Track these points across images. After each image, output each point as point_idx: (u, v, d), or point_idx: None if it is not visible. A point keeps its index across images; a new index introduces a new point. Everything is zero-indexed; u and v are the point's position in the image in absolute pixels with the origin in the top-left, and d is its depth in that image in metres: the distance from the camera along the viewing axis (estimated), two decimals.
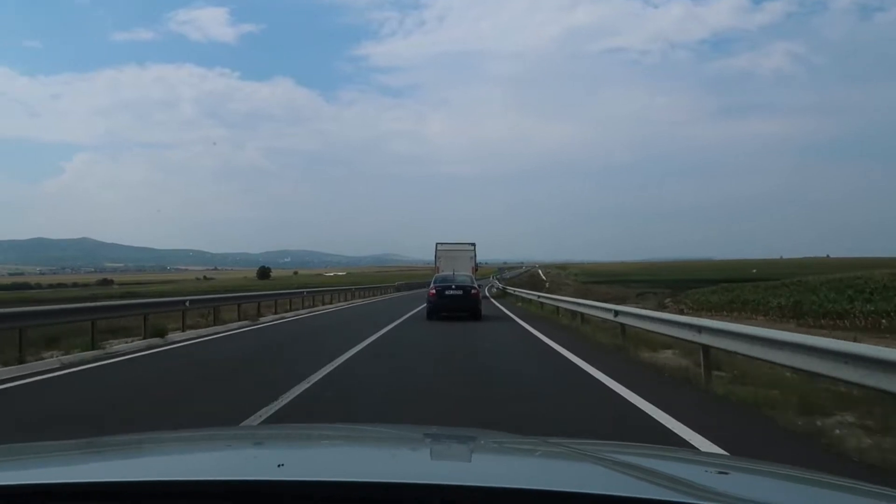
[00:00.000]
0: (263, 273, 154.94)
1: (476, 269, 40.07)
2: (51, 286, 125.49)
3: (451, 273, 22.19)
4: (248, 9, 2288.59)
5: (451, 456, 1.72)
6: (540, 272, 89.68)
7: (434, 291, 19.31)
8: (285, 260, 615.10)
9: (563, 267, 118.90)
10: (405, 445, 1.79)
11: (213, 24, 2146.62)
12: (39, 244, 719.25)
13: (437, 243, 36.42)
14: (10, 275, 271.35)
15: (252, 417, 5.49)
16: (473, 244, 38.25)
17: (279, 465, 1.34)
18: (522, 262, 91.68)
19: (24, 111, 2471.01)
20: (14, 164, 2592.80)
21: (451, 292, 19.13)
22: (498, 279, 65.88)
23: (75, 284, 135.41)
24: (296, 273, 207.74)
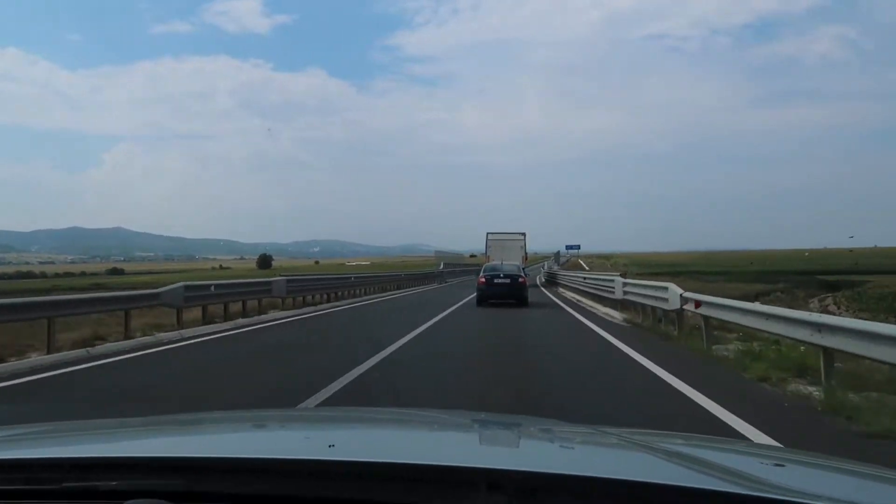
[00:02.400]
0: (264, 262, 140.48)
1: (526, 258, 40.94)
2: (56, 275, 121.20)
3: (500, 262, 22.88)
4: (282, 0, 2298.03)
5: (499, 441, 1.71)
6: (581, 262, 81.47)
7: (483, 280, 20.17)
8: (314, 250, 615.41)
9: (606, 257, 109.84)
10: (454, 430, 1.82)
11: (248, 15, 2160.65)
12: (75, 233, 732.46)
13: (487, 233, 36.66)
14: (41, 263, 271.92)
15: None
16: (524, 234, 38.20)
17: (330, 446, 1.34)
18: (559, 252, 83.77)
19: (65, 104, 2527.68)
20: (55, 155, 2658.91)
21: (500, 280, 19.92)
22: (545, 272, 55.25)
23: (83, 273, 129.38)
24: (317, 263, 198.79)
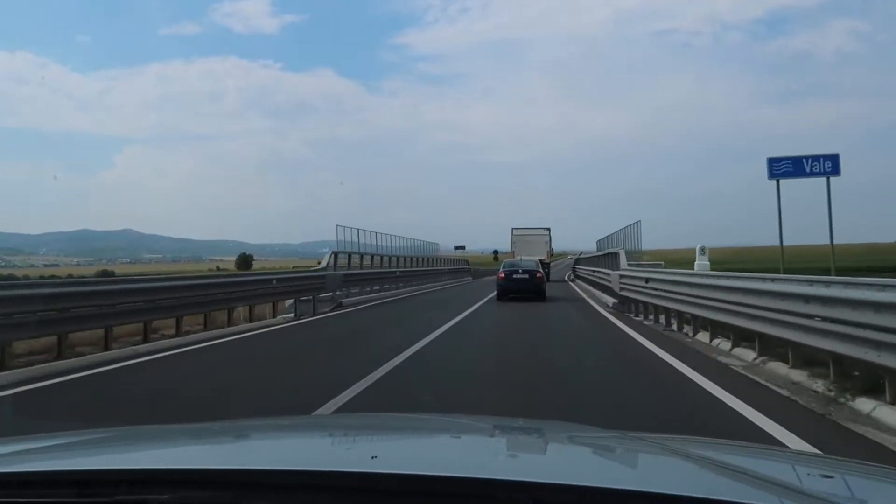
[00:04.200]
0: (244, 262, 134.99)
1: (551, 254, 41.33)
2: (42, 278, 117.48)
3: (519, 258, 24.41)
4: (290, 0, 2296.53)
5: (540, 451, 1.67)
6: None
7: (503, 275, 20.78)
8: (324, 250, 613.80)
9: (629, 254, 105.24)
10: (492, 438, 1.78)
11: (257, 15, 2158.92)
12: (84, 235, 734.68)
13: (512, 228, 36.86)
14: (46, 266, 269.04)
15: None
16: (548, 229, 38.29)
17: (373, 458, 1.34)
18: (574, 251, 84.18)
19: (74, 105, 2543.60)
20: (64, 157, 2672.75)
21: (518, 276, 20.50)
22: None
23: (70, 276, 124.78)
24: (318, 263, 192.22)
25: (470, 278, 41.95)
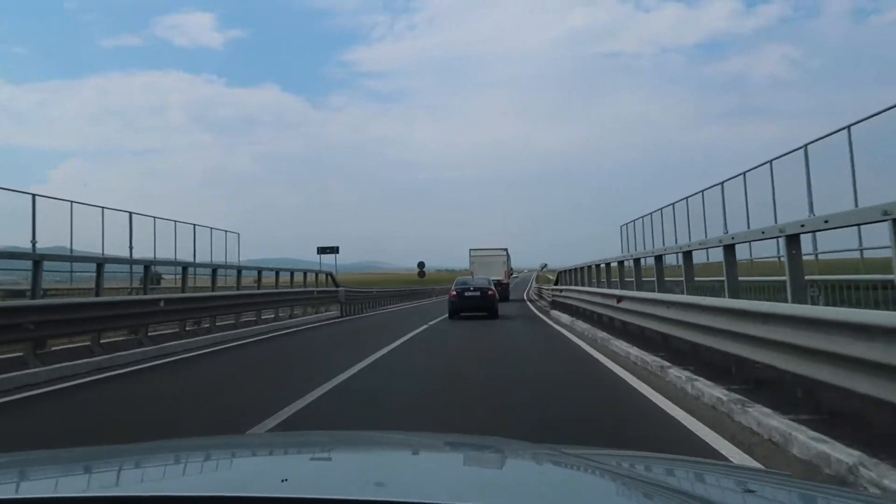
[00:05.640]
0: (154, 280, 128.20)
1: (510, 273, 41.74)
2: None
3: (471, 276, 25.45)
4: (235, 14, 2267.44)
5: (471, 472, 1.59)
6: (549, 276, 79.09)
7: (455, 293, 20.98)
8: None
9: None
10: (423, 457, 1.70)
11: (201, 29, 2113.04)
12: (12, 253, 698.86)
13: (470, 249, 37.78)
14: None
15: None
16: (506, 249, 39.28)
17: (283, 480, 1.20)
18: (523, 268, 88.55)
19: (7, 118, 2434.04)
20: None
21: (470, 293, 20.70)
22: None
23: None
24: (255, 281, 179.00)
25: (336, 314, 23.10)
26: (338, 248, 34.21)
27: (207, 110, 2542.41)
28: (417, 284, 49.43)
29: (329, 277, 25.56)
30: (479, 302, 20.34)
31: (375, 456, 1.68)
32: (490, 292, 20.78)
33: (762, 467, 3.71)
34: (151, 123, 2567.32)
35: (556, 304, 23.61)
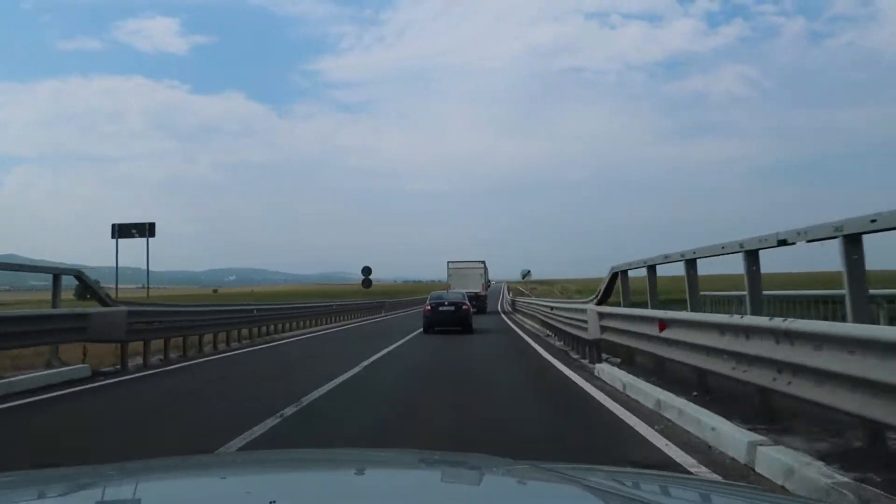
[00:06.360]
0: (81, 293, 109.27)
1: (487, 286, 42.05)
2: None
3: (446, 291, 24.84)
4: (200, 20, 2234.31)
5: (449, 489, 1.59)
6: (521, 288, 78.89)
7: (430, 307, 20.73)
8: (230, 278, 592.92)
9: (550, 283, 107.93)
10: (400, 474, 1.70)
11: (164, 35, 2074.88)
12: None
13: (448, 262, 37.97)
14: None
15: None
16: (483, 262, 39.86)
17: (271, 503, 1.18)
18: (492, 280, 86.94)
19: None
20: None
21: (444, 308, 20.51)
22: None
23: None
24: (215, 291, 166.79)
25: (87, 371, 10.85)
26: (151, 225, 28.30)
27: (169, 117, 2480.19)
28: (364, 297, 39.41)
29: (82, 285, 12.80)
30: (454, 316, 20.20)
31: (354, 473, 1.67)
32: (465, 307, 20.65)
33: (726, 481, 3.71)
34: (110, 129, 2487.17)
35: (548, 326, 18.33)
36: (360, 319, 31.41)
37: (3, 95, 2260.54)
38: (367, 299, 38.81)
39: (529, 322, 25.34)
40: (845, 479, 3.49)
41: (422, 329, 20.26)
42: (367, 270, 39.55)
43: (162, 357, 12.14)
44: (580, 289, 73.37)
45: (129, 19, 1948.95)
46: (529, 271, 58.40)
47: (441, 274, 39.17)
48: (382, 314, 37.64)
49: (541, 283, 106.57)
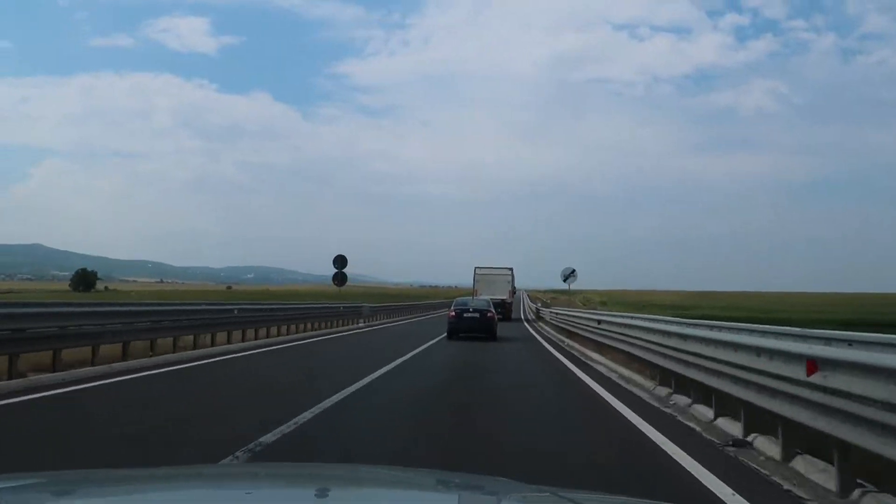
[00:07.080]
0: (83, 281, 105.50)
1: (514, 293, 42.11)
2: None
3: (471, 297, 25.21)
4: (229, 20, 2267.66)
5: None
6: (540, 297, 78.31)
7: (454, 314, 20.61)
8: (248, 276, 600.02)
9: (568, 293, 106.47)
10: (415, 495, 1.68)
11: (194, 34, 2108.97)
12: None
13: (475, 268, 37.89)
14: None
15: None
16: (510, 269, 39.67)
17: None
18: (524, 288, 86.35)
19: None
20: None
21: (469, 315, 20.31)
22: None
23: None
24: (229, 288, 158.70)
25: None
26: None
27: (196, 115, 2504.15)
28: (335, 300, 30.07)
29: None
30: (478, 323, 20.01)
31: (367, 493, 1.63)
32: (489, 314, 20.39)
33: None
34: (138, 126, 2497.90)
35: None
36: (357, 327, 26.05)
37: (36, 89, 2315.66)
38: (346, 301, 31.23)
39: (567, 341, 19.52)
40: None
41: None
42: (340, 261, 28.36)
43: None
44: (604, 299, 72.20)
45: (161, 17, 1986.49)
46: (574, 270, 39.40)
47: (458, 279, 41.39)
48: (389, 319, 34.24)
49: (561, 292, 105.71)
